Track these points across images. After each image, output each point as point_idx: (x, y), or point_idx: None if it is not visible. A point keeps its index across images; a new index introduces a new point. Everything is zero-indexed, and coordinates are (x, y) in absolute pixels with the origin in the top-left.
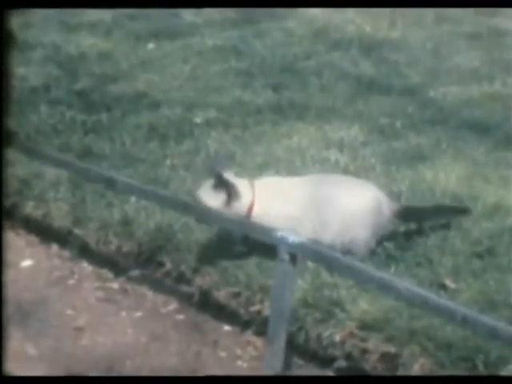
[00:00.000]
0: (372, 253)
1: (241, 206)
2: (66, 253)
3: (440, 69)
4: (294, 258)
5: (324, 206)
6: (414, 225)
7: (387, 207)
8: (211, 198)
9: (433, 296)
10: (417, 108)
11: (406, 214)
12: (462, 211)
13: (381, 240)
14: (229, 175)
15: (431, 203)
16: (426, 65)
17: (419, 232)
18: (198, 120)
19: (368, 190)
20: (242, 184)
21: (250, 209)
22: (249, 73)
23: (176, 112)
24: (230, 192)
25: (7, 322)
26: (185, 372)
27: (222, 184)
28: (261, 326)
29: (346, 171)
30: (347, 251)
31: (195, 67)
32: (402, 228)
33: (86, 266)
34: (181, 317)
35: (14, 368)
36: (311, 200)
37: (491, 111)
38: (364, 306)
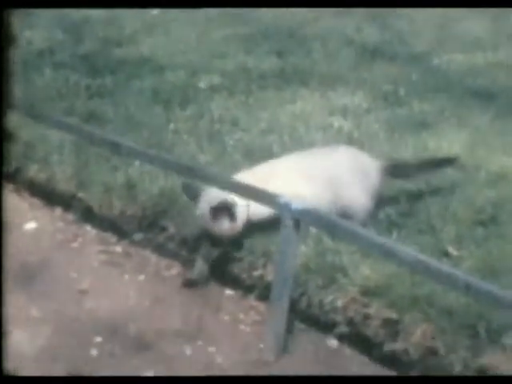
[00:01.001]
0: (372, 216)
1: (241, 214)
2: (70, 216)
3: (444, 37)
4: (297, 224)
5: (308, 179)
6: (404, 181)
7: (370, 165)
8: (221, 224)
9: (435, 263)
10: (420, 75)
11: (393, 170)
12: (448, 162)
13: (380, 204)
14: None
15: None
16: (431, 32)
17: (421, 199)
18: (202, 85)
19: (344, 152)
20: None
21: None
22: (253, 38)
23: (180, 77)
24: (231, 211)
25: (7, 321)
26: (187, 335)
27: (220, 209)
28: (263, 291)
29: (349, 138)
30: (344, 215)
31: (200, 33)
32: (404, 194)
33: (90, 230)
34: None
35: (18, 331)
36: (295, 177)
37: (495, 79)
38: (366, 271)
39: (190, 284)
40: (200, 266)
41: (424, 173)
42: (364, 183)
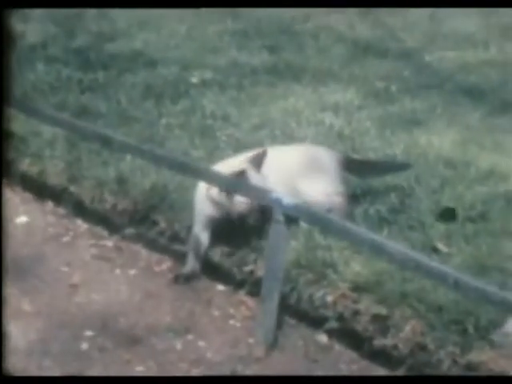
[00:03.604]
0: (350, 213)
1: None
2: (61, 210)
3: (436, 33)
4: (288, 220)
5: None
6: (358, 178)
7: (328, 157)
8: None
9: (425, 259)
10: (412, 72)
11: (349, 164)
12: (402, 167)
13: (371, 200)
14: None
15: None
16: (422, 29)
17: (412, 195)
18: (194, 80)
19: (300, 147)
20: None
21: None
22: (245, 34)
23: (172, 71)
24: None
25: (7, 323)
26: (178, 330)
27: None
28: (254, 286)
29: (340, 134)
30: None
31: (192, 27)
32: (394, 191)
33: (81, 224)
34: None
35: (10, 325)
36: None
37: (486, 77)
38: (356, 268)
39: (181, 279)
40: (191, 262)
41: (377, 173)
42: (319, 172)
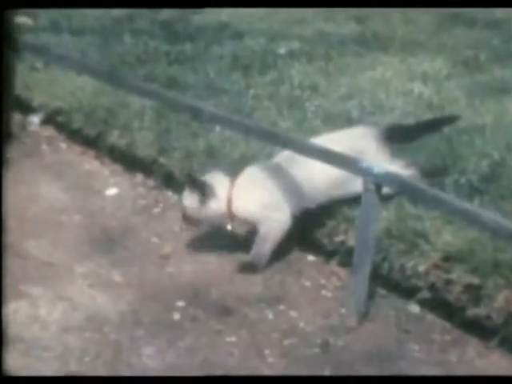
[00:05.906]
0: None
1: (217, 203)
2: (151, 182)
3: None
4: (379, 189)
5: (308, 173)
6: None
7: (368, 135)
8: (188, 200)
9: None
10: (501, 41)
11: (393, 134)
12: (450, 120)
13: (461, 170)
14: (211, 176)
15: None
16: None
17: (504, 164)
18: (281, 51)
19: (333, 136)
20: (219, 182)
21: (229, 205)
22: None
23: (259, 43)
24: (204, 191)
25: (7, 322)
26: (269, 300)
27: (195, 185)
28: (345, 257)
29: (429, 104)
30: None
31: None
32: (486, 159)
33: (171, 195)
34: None
35: (101, 295)
36: (291, 173)
37: None
38: (448, 237)
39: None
40: None
41: (425, 133)
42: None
